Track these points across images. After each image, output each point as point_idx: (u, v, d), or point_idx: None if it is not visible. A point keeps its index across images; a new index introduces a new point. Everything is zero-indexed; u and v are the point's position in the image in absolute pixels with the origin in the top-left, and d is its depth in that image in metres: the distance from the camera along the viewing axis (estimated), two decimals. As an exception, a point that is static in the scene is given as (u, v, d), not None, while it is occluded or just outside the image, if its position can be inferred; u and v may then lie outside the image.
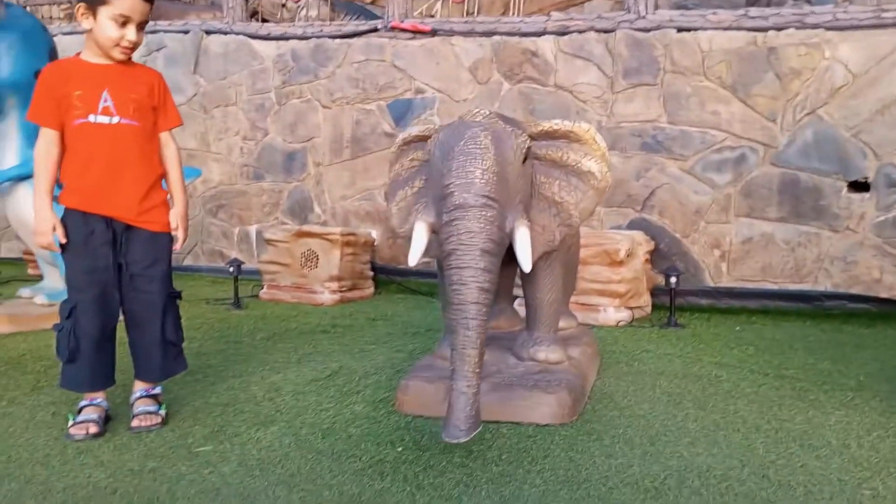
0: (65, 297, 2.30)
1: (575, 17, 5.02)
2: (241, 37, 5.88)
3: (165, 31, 6.21)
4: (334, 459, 2.02)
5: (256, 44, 5.81)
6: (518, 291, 3.17)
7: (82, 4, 2.24)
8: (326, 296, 4.73)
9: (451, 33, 5.21)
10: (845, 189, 4.29)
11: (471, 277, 2.07)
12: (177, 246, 2.41)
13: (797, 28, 4.36)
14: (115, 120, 2.26)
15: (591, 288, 4.14)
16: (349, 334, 3.78)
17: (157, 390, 2.44)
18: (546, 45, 4.91)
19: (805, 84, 4.34)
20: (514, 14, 6.10)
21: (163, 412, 2.37)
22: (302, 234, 4.84)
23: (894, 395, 2.73)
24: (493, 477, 1.90)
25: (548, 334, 2.65)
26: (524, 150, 2.26)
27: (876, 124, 4.22)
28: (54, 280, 4.14)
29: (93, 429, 2.23)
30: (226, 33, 5.98)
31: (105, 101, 2.25)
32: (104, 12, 2.23)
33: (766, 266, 4.46)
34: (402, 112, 5.30)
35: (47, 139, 2.25)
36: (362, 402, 2.55)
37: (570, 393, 2.39)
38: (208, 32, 6.03)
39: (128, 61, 2.33)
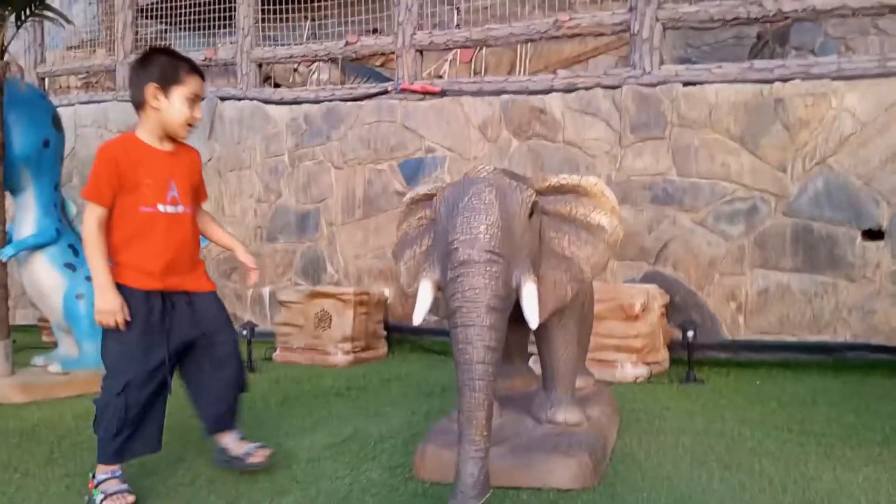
0: (102, 371, 2.31)
1: (581, 74, 5.10)
2: (254, 102, 6.01)
3: (180, 98, 6.35)
4: (351, 530, 1.97)
5: (270, 108, 5.93)
6: (532, 348, 3.14)
7: (153, 84, 2.30)
8: (340, 357, 4.71)
9: (461, 93, 5.30)
10: (860, 238, 4.26)
11: (476, 336, 2.01)
12: (255, 278, 2.68)
13: (803, 79, 4.40)
14: (180, 209, 2.39)
15: (607, 344, 4.10)
16: (363, 396, 3.75)
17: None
18: (553, 102, 4.98)
19: (813, 134, 4.36)
20: (520, 73, 6.22)
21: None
22: (315, 295, 4.84)
23: (924, 449, 2.65)
24: (514, 547, 1.85)
25: (565, 395, 2.60)
26: (530, 205, 2.21)
27: (887, 172, 4.21)
28: (69, 348, 4.15)
29: (130, 498, 2.25)
30: (240, 99, 6.12)
31: (172, 190, 2.37)
32: (177, 92, 2.32)
33: (783, 317, 4.41)
34: (413, 171, 5.36)
35: (99, 217, 2.28)
36: (378, 469, 2.51)
37: (592, 455, 2.33)
38: (223, 99, 6.17)
39: (176, 143, 2.44)
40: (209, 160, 6.11)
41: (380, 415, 3.31)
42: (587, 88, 4.91)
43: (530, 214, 2.22)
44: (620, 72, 4.95)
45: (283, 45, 6.28)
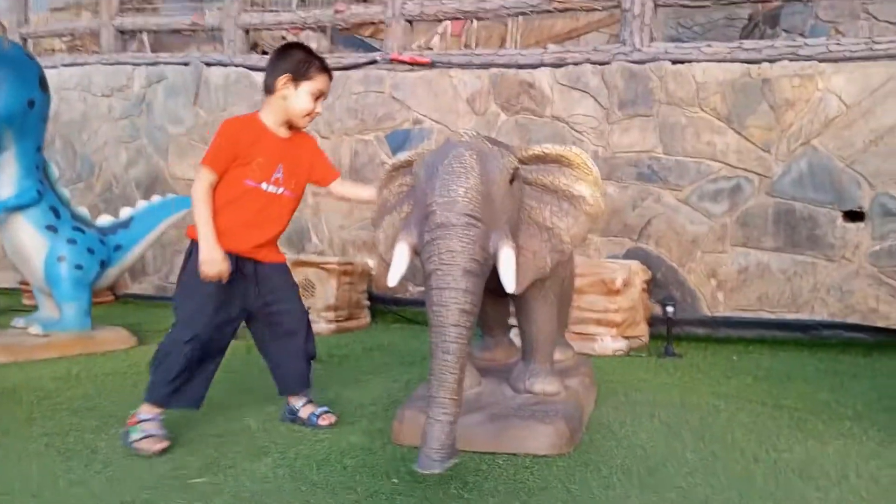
0: (176, 326, 2.44)
1: (571, 50, 5.08)
2: (241, 69, 5.94)
3: (166, 63, 6.28)
4: (329, 492, 2.00)
5: (256, 76, 5.87)
6: (513, 321, 3.16)
7: (287, 75, 2.51)
8: (322, 325, 4.72)
9: (450, 65, 5.27)
10: (840, 219, 4.31)
11: (451, 299, 2.00)
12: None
13: (791, 60, 4.42)
14: (280, 191, 2.55)
15: (587, 317, 4.13)
16: (345, 364, 3.77)
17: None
18: (543, 76, 4.97)
19: (799, 115, 4.39)
20: (511, 47, 6.18)
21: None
22: (299, 264, 4.84)
23: (892, 424, 2.71)
24: (489, 509, 1.88)
25: (544, 365, 2.63)
26: (511, 171, 2.19)
27: (869, 154, 4.25)
28: (49, 310, 4.13)
29: (165, 443, 2.34)
30: (226, 65, 6.05)
31: (278, 172, 2.53)
32: (306, 86, 2.52)
33: (762, 295, 4.46)
34: (400, 143, 5.34)
35: (210, 182, 2.45)
36: (358, 433, 2.53)
37: (568, 423, 2.37)
38: (209, 64, 6.10)
39: (295, 131, 2.62)
40: (194, 126, 6.05)
41: (360, 382, 3.34)
42: (576, 64, 4.90)
43: (511, 181, 2.21)
44: (610, 48, 4.94)
45: (271, 11, 6.20)
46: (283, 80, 2.51)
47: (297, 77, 2.51)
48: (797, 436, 2.56)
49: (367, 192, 2.76)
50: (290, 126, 2.59)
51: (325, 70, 2.58)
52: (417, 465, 1.94)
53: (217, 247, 2.41)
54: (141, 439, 2.32)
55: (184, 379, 2.42)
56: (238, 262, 2.49)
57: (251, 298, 2.56)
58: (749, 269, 4.49)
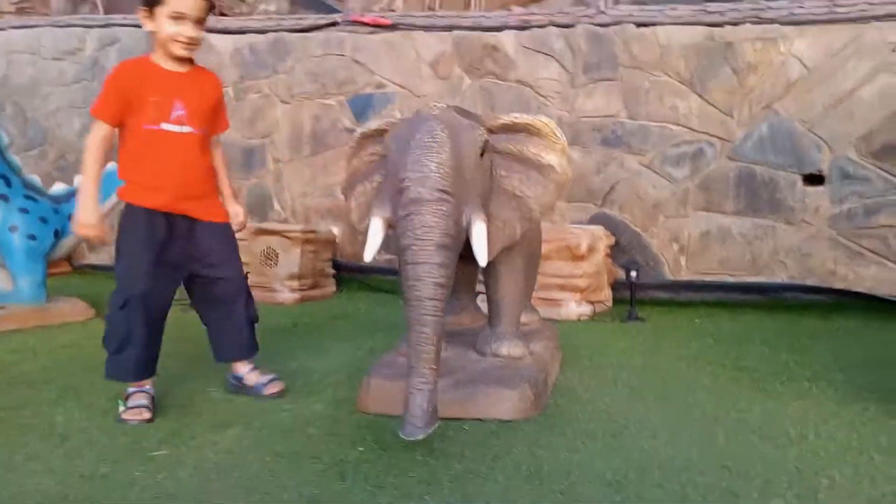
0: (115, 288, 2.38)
1: (535, 12, 5.02)
2: (197, 31, 5.76)
3: (120, 25, 6.06)
4: (293, 461, 1.98)
5: (213, 38, 5.69)
6: (481, 287, 3.16)
7: (142, 9, 2.37)
8: (287, 294, 4.67)
9: (412, 27, 5.17)
10: (800, 182, 4.37)
11: (426, 273, 2.03)
12: (241, 223, 2.62)
13: (753, 23, 4.42)
14: (185, 129, 2.40)
15: (552, 283, 4.15)
16: (310, 333, 3.73)
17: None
18: (507, 39, 4.91)
19: (761, 79, 4.40)
20: (475, 9, 6.09)
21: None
22: (261, 232, 4.76)
23: (849, 385, 2.78)
24: (455, 474, 1.88)
25: (510, 329, 2.64)
26: (481, 144, 2.22)
27: (829, 118, 4.30)
28: (3, 282, 4.01)
29: (146, 414, 2.32)
30: (181, 27, 5.85)
31: (178, 110, 2.39)
32: (160, 12, 2.35)
33: (723, 259, 4.52)
34: (362, 107, 5.25)
35: (103, 134, 2.35)
36: (322, 402, 2.51)
37: (533, 388, 2.38)
38: (163, 26, 5.90)
39: (194, 66, 2.48)
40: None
41: (325, 350, 3.31)
42: (541, 27, 4.85)
43: (482, 153, 2.23)
44: (574, 10, 4.89)
45: (227, -29, 6.00)
46: (141, 15, 2.38)
47: (149, 5, 2.35)
48: (757, 396, 2.61)
49: (224, 179, 2.61)
50: (179, 59, 2.42)
51: None
52: (401, 432, 1.95)
53: (90, 205, 2.34)
54: (126, 410, 2.33)
55: (132, 349, 2.36)
56: (169, 219, 2.40)
57: (186, 260, 2.47)
58: (711, 234, 4.54)
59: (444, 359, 2.58)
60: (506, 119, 2.41)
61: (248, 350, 2.64)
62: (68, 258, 5.62)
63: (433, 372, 2.02)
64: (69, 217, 4.19)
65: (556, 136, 2.41)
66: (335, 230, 5.24)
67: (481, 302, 3.18)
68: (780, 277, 4.40)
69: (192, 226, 2.46)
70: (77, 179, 4.35)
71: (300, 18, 5.63)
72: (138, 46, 5.90)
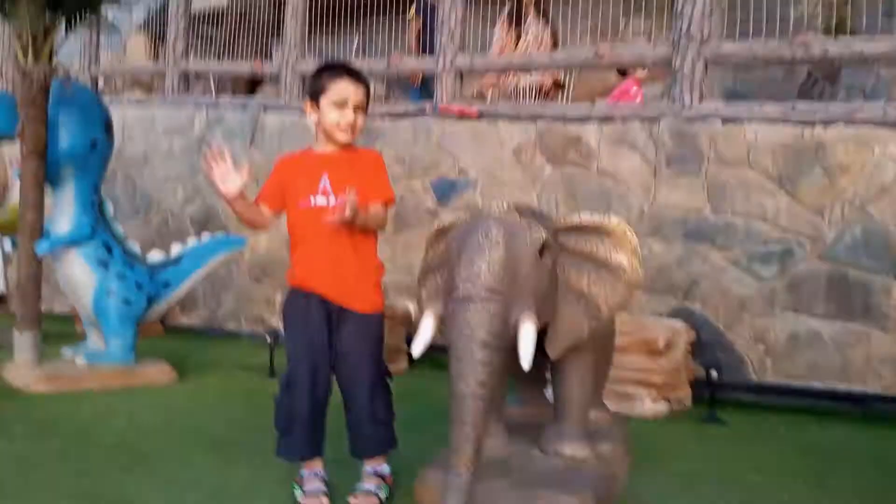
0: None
1: (620, 105, 5.07)
2: (296, 113, 6.10)
3: (226, 107, 6.49)
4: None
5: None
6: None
7: (307, 101, 2.52)
8: (360, 371, 4.71)
9: (497, 116, 5.31)
10: (895, 288, 4.14)
11: (468, 370, 2.04)
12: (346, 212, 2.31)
13: (846, 124, 4.31)
14: (333, 201, 2.39)
15: (627, 377, 4.03)
16: (378, 413, 3.73)
17: (384, 469, 2.54)
18: (590, 131, 4.96)
19: (853, 180, 4.26)
20: (562, 100, 6.22)
21: (382, 494, 2.46)
22: (340, 308, 4.86)
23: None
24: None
25: (575, 429, 2.57)
26: (539, 244, 2.23)
27: (928, 223, 4.09)
28: (97, 341, 4.24)
29: (324, 500, 2.38)
30: (282, 109, 6.22)
31: (324, 182, 2.44)
32: (324, 100, 2.45)
33: (812, 364, 4.29)
34: (445, 190, 5.38)
35: (262, 206, 2.52)
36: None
37: (595, 494, 2.30)
38: (266, 108, 6.29)
39: (351, 147, 2.51)
40: (248, 168, 6.21)
41: (391, 433, 3.30)
42: (625, 120, 4.88)
43: (540, 254, 2.24)
44: (659, 105, 4.92)
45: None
46: (307, 107, 2.52)
47: (314, 96, 2.48)
48: (841, 520, 2.43)
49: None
50: (340, 145, 2.50)
51: (341, 75, 2.46)
52: None
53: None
54: (303, 496, 2.38)
55: (298, 430, 2.42)
56: (324, 304, 2.44)
57: (337, 344, 2.47)
58: (799, 336, 4.33)
59: (506, 455, 2.56)
60: (575, 219, 2.45)
61: (360, 450, 2.55)
62: (161, 319, 5.90)
63: (469, 471, 2.01)
64: (163, 284, 4.43)
65: (626, 236, 2.39)
66: (411, 307, 5.30)
67: (550, 392, 3.13)
68: (874, 387, 4.13)
69: (339, 313, 2.45)
70: (175, 248, 4.61)
71: (392, 106, 5.89)
72: (241, 126, 6.29)
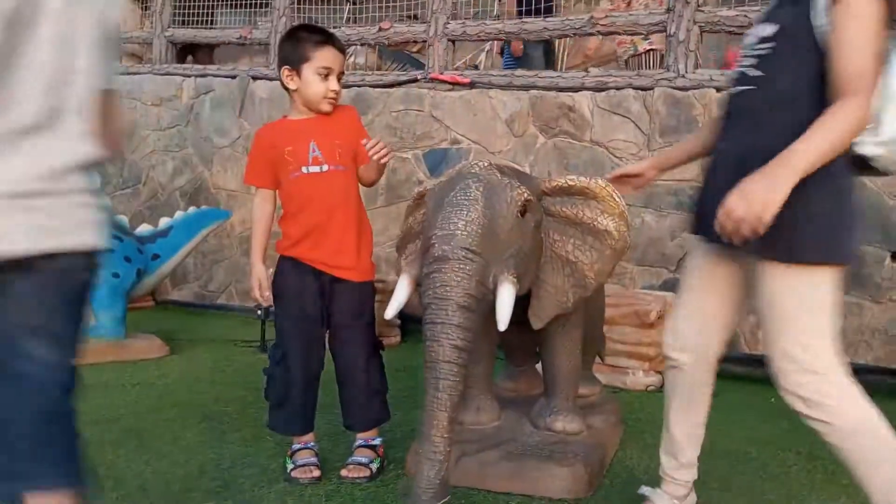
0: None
1: (613, 74, 5.00)
2: (285, 83, 6.01)
3: (214, 76, 6.39)
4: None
5: (299, 90, 5.92)
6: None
7: (285, 67, 2.39)
8: (352, 343, 4.70)
9: (490, 86, 5.24)
10: (888, 259, 4.13)
11: (443, 334, 1.95)
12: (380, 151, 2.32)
13: None
14: (325, 168, 2.38)
15: (619, 350, 4.03)
16: (370, 386, 3.73)
17: (376, 441, 2.51)
18: (583, 100, 4.90)
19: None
20: (557, 67, 6.13)
21: (374, 465, 2.42)
22: (331, 280, 4.84)
23: (935, 485, 2.56)
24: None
25: (566, 402, 2.56)
26: (520, 203, 2.10)
27: (923, 193, 4.08)
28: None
29: (315, 472, 2.35)
30: (271, 79, 6.12)
31: (313, 151, 2.38)
32: (308, 69, 2.36)
33: (804, 334, 4.29)
34: (436, 162, 5.32)
35: (262, 197, 2.46)
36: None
37: (587, 466, 2.30)
38: (255, 78, 6.18)
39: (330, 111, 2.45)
40: (238, 138, 6.14)
41: (383, 406, 3.30)
42: (618, 88, 4.82)
43: (522, 213, 2.12)
44: (653, 73, 4.85)
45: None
46: (285, 73, 2.40)
47: (296, 63, 2.37)
48: (831, 490, 2.45)
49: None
50: (319, 114, 2.45)
51: (324, 42, 2.39)
52: (409, 502, 1.90)
53: (253, 268, 2.39)
54: (294, 468, 2.35)
55: (286, 405, 2.39)
56: (316, 274, 2.39)
57: (325, 316, 2.44)
58: (791, 306, 4.33)
59: (497, 428, 2.55)
60: (561, 181, 2.30)
61: (357, 423, 2.53)
62: (152, 293, 5.86)
63: (445, 441, 1.93)
64: (152, 256, 4.38)
65: (614, 199, 2.26)
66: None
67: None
68: (865, 359, 4.14)
69: (332, 283, 2.41)
70: (162, 221, 4.56)
71: (382, 74, 5.80)
72: (231, 96, 6.20)
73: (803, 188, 1.60)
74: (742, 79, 1.83)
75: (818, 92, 1.67)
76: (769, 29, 1.78)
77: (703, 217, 1.89)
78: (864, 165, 1.75)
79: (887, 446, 1.74)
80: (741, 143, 1.80)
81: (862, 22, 1.61)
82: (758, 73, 1.78)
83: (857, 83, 1.60)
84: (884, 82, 1.68)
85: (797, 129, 1.62)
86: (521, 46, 5.82)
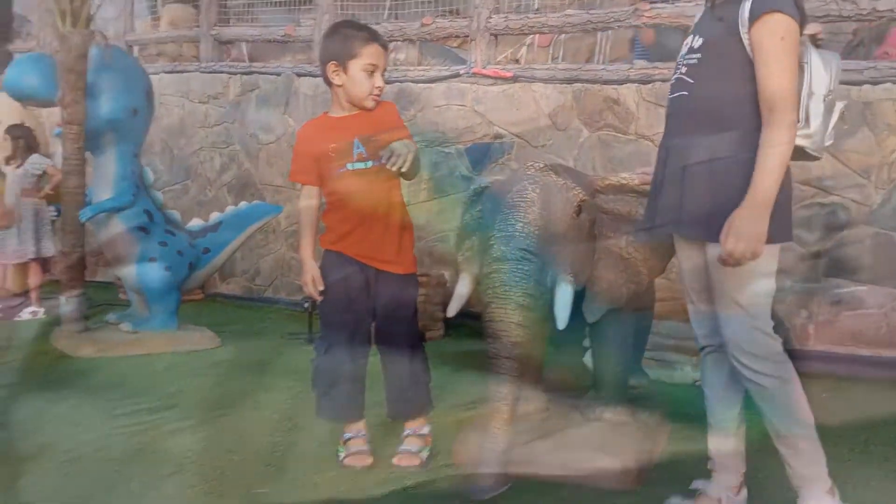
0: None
1: (658, 66, 4.95)
2: (329, 79, 6.08)
3: (260, 73, 6.49)
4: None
5: (343, 86, 5.98)
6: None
7: (332, 63, 2.38)
8: (397, 336, 4.74)
9: (533, 79, 5.23)
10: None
11: (503, 331, 2.04)
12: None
13: (894, 83, 4.16)
14: (369, 164, 2.39)
15: (666, 344, 4.00)
16: (416, 378, 3.77)
17: (425, 430, 2.54)
18: (628, 93, 4.86)
19: (903, 140, 4.13)
20: (599, 60, 6.08)
21: (424, 454, 2.46)
22: (376, 274, 4.88)
23: None
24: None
25: (615, 394, 2.58)
26: (576, 204, 2.19)
27: (982, 185, 3.96)
28: (140, 308, 4.33)
29: (367, 460, 2.41)
30: (316, 76, 6.19)
31: (357, 147, 2.39)
32: (355, 65, 2.37)
33: (856, 331, 4.21)
34: (480, 156, 5.33)
35: (307, 194, 2.46)
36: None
37: (636, 458, 2.30)
38: (299, 75, 6.27)
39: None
40: (283, 135, 6.23)
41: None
42: (664, 80, 4.77)
43: (578, 213, 2.20)
44: (700, 65, 4.79)
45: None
46: (331, 68, 2.38)
47: (343, 60, 2.36)
48: (886, 486, 2.40)
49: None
50: (361, 110, 2.46)
51: (372, 40, 2.40)
52: (469, 490, 1.95)
53: (305, 265, 2.41)
54: (346, 457, 2.41)
55: (333, 393, 2.43)
56: (361, 267, 2.42)
57: (370, 308, 2.46)
58: (842, 303, 4.25)
59: (547, 419, 2.57)
60: (614, 179, 2.39)
61: (400, 412, 2.55)
62: (201, 287, 5.99)
63: (505, 432, 2.01)
64: (203, 251, 4.49)
65: None
66: (446, 275, 5.30)
67: (588, 359, 3.12)
68: (920, 353, 4.05)
69: (376, 275, 2.43)
70: (212, 216, 4.66)
71: (425, 70, 5.83)
72: (276, 93, 6.29)
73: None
74: (677, 84, 2.01)
75: (741, 99, 1.88)
76: (698, 41, 1.96)
77: (652, 210, 2.04)
78: (796, 153, 2.00)
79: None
80: (678, 142, 2.01)
81: (784, 42, 1.81)
82: (689, 80, 1.96)
83: (781, 103, 1.83)
84: (805, 80, 1.90)
85: (722, 130, 1.89)
86: (653, 35, 5.62)
